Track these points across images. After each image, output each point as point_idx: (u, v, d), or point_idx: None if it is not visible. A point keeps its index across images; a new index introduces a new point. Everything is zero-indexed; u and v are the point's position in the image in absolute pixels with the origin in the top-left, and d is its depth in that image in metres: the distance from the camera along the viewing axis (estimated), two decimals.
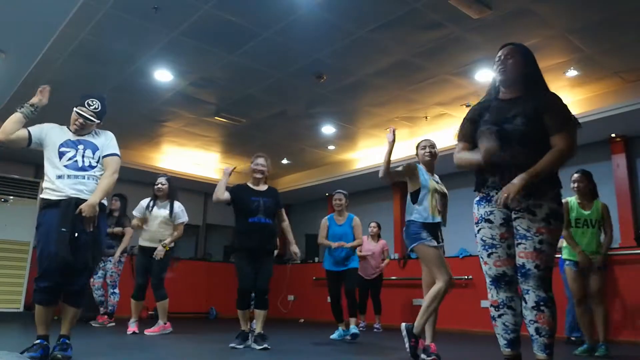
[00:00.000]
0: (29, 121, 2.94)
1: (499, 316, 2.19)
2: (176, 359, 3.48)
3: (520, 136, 2.14)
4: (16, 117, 2.87)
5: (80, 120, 3.00)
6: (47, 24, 4.40)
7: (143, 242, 5.16)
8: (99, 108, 3.10)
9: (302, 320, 8.82)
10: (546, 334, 2.06)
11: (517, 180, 2.05)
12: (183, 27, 4.72)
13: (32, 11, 4.15)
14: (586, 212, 4.21)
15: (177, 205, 5.24)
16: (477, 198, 2.30)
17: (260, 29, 4.77)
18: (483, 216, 2.24)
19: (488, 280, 2.22)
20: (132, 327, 4.94)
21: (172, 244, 5.13)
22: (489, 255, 2.20)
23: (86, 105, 3.03)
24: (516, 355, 2.18)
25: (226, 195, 4.02)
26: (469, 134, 2.41)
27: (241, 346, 3.87)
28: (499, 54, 2.39)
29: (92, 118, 3.03)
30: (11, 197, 7.37)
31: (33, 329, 2.90)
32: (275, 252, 4.28)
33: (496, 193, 2.17)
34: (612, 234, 4.26)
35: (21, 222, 7.09)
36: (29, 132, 2.91)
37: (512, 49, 2.36)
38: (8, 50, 4.83)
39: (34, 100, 2.92)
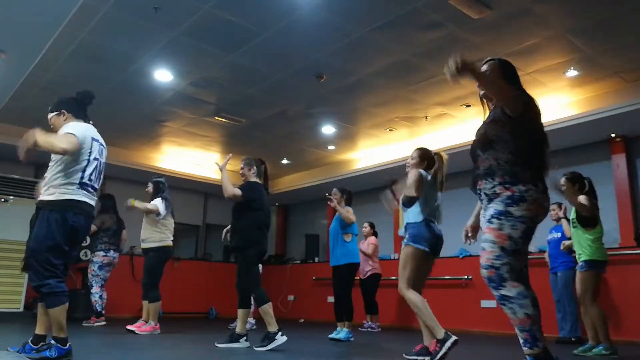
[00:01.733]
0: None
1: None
2: (175, 359, 3.48)
3: (477, 142, 2.35)
4: None
5: None
6: (47, 24, 4.40)
7: None
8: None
9: (302, 320, 8.82)
10: (517, 329, 2.13)
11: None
12: (183, 27, 4.73)
13: (32, 11, 4.15)
14: (574, 214, 4.23)
15: (156, 199, 5.29)
16: None
17: (260, 29, 4.77)
18: None
19: None
20: (136, 326, 4.99)
21: (141, 206, 5.14)
22: None
23: None
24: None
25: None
26: None
27: (224, 345, 3.93)
28: (482, 68, 2.50)
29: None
30: (11, 197, 7.38)
31: (33, 329, 2.91)
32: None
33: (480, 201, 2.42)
34: (579, 203, 3.99)
35: (21, 222, 7.08)
36: None
37: (490, 64, 2.49)
38: (8, 50, 4.83)
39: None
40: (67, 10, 4.19)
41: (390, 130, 7.46)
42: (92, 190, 2.96)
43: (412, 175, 3.42)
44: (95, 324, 5.85)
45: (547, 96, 6.08)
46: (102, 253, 6.09)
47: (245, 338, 4.00)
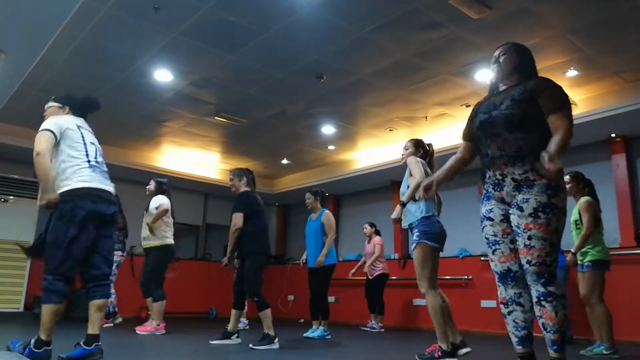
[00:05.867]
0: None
1: (509, 313, 2.19)
2: (175, 359, 3.48)
3: (504, 120, 2.15)
4: None
5: None
6: (47, 24, 4.40)
7: None
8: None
9: (302, 320, 8.81)
10: (551, 330, 2.05)
11: (552, 151, 1.96)
12: (183, 27, 4.73)
13: (32, 11, 4.15)
14: (576, 215, 4.20)
15: (154, 198, 5.33)
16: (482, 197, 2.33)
17: (260, 29, 4.77)
18: (485, 215, 2.27)
19: (496, 277, 2.24)
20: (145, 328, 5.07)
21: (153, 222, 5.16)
22: (493, 252, 2.23)
23: None
24: (528, 352, 2.18)
25: None
26: (468, 132, 2.43)
27: (217, 342, 4.20)
28: (495, 53, 2.44)
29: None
30: (11, 197, 7.38)
31: (33, 329, 2.90)
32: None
33: (493, 188, 2.22)
34: (585, 232, 4.03)
35: (21, 222, 7.10)
36: None
37: (505, 47, 2.42)
38: (8, 50, 4.83)
39: None
40: (67, 10, 4.19)
41: (390, 130, 7.46)
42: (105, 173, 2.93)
43: (413, 165, 3.47)
44: (105, 325, 5.84)
45: None
46: (120, 252, 6.08)
47: (236, 335, 4.25)
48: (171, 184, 5.59)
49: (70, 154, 2.78)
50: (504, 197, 2.18)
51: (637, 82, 5.67)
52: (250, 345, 3.89)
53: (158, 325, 5.02)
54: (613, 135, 6.45)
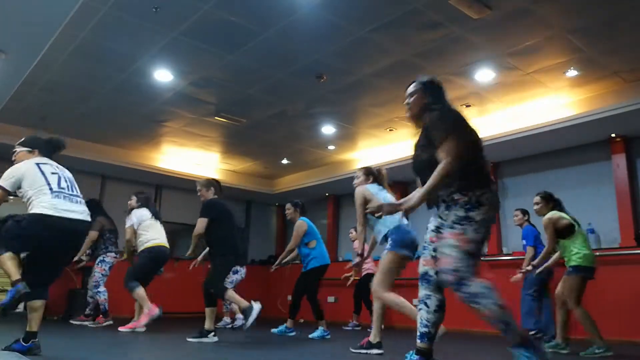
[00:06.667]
0: None
1: (418, 310, 2.43)
2: (174, 358, 3.48)
3: (423, 163, 2.37)
4: None
5: None
6: (47, 24, 4.40)
7: None
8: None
9: (302, 320, 8.82)
10: (493, 323, 2.16)
11: (411, 201, 2.34)
12: (183, 27, 4.73)
13: (32, 11, 4.16)
14: None
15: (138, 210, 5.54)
16: None
17: (260, 29, 4.77)
18: (428, 224, 2.51)
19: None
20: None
21: (127, 253, 5.56)
22: (422, 255, 2.47)
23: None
24: (426, 348, 2.39)
25: None
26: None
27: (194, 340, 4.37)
28: (407, 91, 2.60)
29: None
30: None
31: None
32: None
33: (436, 208, 2.44)
34: (547, 248, 4.39)
35: None
36: None
37: (412, 86, 2.57)
38: (8, 50, 4.83)
39: None
40: (67, 10, 4.19)
41: (390, 130, 7.46)
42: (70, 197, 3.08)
43: (356, 204, 3.75)
44: (105, 324, 5.86)
45: (547, 96, 6.08)
46: (113, 254, 6.15)
47: (213, 333, 4.39)
48: (171, 184, 5.59)
49: (32, 187, 3.01)
50: (441, 215, 2.37)
51: (637, 82, 5.67)
52: (188, 339, 4.25)
53: (147, 311, 4.88)
54: (613, 135, 6.44)
